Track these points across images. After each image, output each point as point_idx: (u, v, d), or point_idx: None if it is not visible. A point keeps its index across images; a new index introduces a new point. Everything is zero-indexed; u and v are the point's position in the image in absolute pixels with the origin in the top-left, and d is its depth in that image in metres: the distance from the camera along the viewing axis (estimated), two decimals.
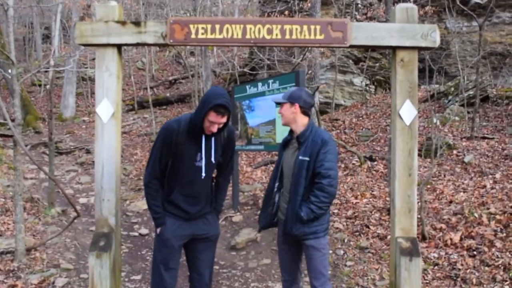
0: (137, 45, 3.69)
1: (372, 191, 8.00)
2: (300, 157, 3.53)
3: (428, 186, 7.66)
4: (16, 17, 24.37)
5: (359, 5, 15.90)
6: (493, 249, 5.33)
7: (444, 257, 5.43)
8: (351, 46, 3.65)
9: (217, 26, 3.53)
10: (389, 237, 5.86)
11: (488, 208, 6.33)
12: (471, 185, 7.49)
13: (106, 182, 3.55)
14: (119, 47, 3.61)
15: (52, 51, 10.29)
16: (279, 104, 3.76)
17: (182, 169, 3.37)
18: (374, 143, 11.12)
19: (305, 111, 3.64)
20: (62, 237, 6.57)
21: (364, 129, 12.17)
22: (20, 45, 26.91)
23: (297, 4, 13.65)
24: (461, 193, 7.17)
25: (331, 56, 14.41)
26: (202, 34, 3.54)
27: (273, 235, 6.76)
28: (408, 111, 3.55)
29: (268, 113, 7.13)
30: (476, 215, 6.18)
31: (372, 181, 8.66)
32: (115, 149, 3.58)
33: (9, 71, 6.21)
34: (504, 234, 5.60)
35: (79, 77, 21.20)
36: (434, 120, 10.42)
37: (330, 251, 5.96)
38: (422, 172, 8.49)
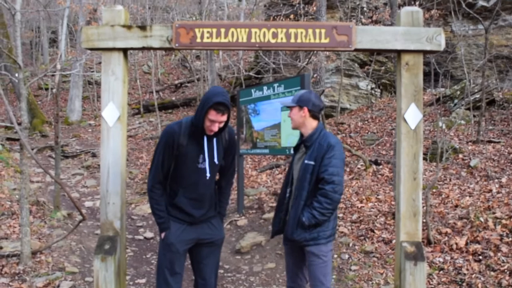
0: (142, 49, 3.71)
1: (378, 195, 7.98)
2: (306, 161, 3.49)
3: (434, 190, 7.63)
4: (23, 21, 24.55)
5: (365, 9, 15.88)
6: (499, 254, 5.30)
7: (450, 262, 5.40)
8: (356, 50, 3.66)
9: (223, 30, 3.55)
10: (394, 241, 5.84)
11: (494, 213, 6.30)
12: (477, 189, 7.45)
13: (111, 186, 3.56)
14: (125, 51, 3.63)
15: (59, 55, 10.36)
16: (288, 107, 3.73)
17: (185, 172, 3.37)
18: (379, 147, 11.09)
19: (314, 115, 3.59)
20: (68, 240, 6.59)
21: (369, 132, 12.14)
22: (27, 49, 27.09)
23: (302, 7, 13.65)
24: (467, 197, 7.14)
25: (337, 60, 14.40)
26: (208, 38, 3.56)
27: (278, 239, 6.75)
28: (413, 115, 3.54)
29: (273, 117, 7.14)
30: (481, 219, 6.15)
31: (377, 185, 8.64)
32: (121, 152, 3.59)
33: (16, 75, 6.25)
34: (510, 239, 5.56)
35: (85, 81, 21.29)
36: (440, 124, 10.38)
37: (335, 255, 5.94)
38: (427, 176, 8.46)
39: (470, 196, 7.20)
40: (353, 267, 5.67)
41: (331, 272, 3.63)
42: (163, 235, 3.42)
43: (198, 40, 3.56)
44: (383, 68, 15.81)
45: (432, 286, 4.97)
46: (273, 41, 3.57)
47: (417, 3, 13.01)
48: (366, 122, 13.19)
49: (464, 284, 4.91)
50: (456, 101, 12.48)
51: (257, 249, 6.64)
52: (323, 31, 3.56)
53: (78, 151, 14.11)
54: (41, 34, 27.28)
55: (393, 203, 7.31)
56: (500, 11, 12.66)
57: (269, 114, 7.26)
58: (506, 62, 14.17)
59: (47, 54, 26.31)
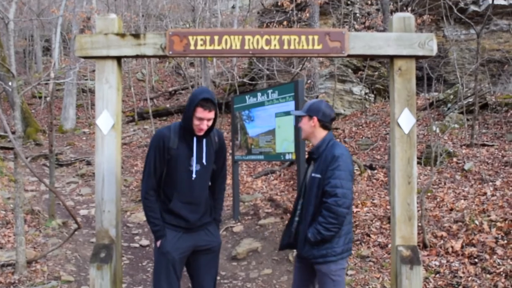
0: (136, 57, 3.72)
1: (373, 199, 8.00)
2: (313, 174, 3.39)
3: (429, 194, 7.66)
4: (16, 30, 24.51)
5: (357, 15, 15.98)
6: (495, 257, 5.33)
7: (446, 265, 5.42)
8: (349, 56, 3.68)
9: (216, 37, 3.56)
10: (390, 245, 5.85)
11: (489, 216, 6.33)
12: (472, 193, 7.48)
13: (106, 193, 3.56)
14: (118, 59, 3.64)
15: (53, 64, 10.34)
16: (299, 117, 3.65)
17: (177, 176, 3.36)
18: (374, 151, 11.12)
19: (324, 125, 3.47)
20: (63, 249, 6.56)
21: (364, 137, 12.18)
22: (21, 58, 27.03)
23: (295, 14, 13.72)
24: (462, 201, 7.17)
25: (330, 66, 14.47)
26: (201, 45, 3.57)
27: (274, 245, 6.75)
28: (406, 120, 3.57)
29: (268, 123, 7.16)
30: (477, 222, 6.18)
31: (372, 189, 8.66)
32: (116, 160, 3.59)
33: (10, 83, 6.24)
34: (505, 241, 5.59)
35: (79, 89, 21.26)
36: (434, 128, 10.44)
37: None
38: (422, 180, 8.49)
39: (465, 200, 7.23)
40: (350, 272, 5.67)
41: None
42: (158, 243, 3.38)
43: (192, 47, 3.57)
44: (376, 73, 15.89)
45: None
46: (266, 48, 3.59)
47: (409, 9, 13.12)
48: (360, 127, 13.23)
49: (461, 287, 4.93)
50: (449, 105, 12.55)
51: (253, 255, 6.63)
52: (316, 37, 3.58)
53: (72, 159, 14.06)
54: (35, 42, 27.24)
55: (388, 207, 7.33)
56: (492, 15, 12.75)
57: (264, 120, 7.28)
58: (498, 66, 14.28)
59: (40, 63, 26.25)
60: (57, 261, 6.19)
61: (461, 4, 14.48)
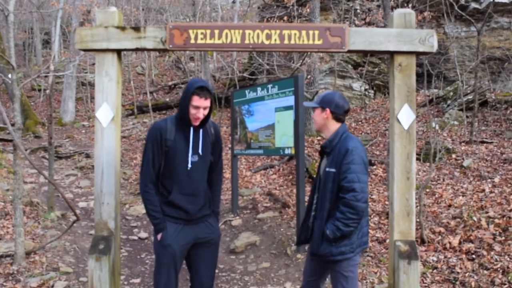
0: (136, 50, 3.72)
1: (371, 195, 8.02)
2: (327, 169, 3.28)
3: (427, 190, 7.68)
4: (16, 23, 24.44)
5: (358, 11, 15.95)
6: (492, 253, 5.35)
7: (443, 261, 5.44)
8: (349, 51, 3.68)
9: (216, 31, 3.56)
10: (388, 240, 5.87)
11: (487, 212, 6.35)
12: (470, 189, 7.51)
13: (105, 186, 3.57)
14: (118, 52, 3.64)
15: (52, 56, 10.34)
16: (312, 108, 3.57)
17: (176, 167, 3.37)
18: (373, 147, 11.13)
19: (337, 117, 3.38)
20: (62, 240, 6.58)
21: (363, 133, 12.19)
22: (20, 50, 26.96)
23: (296, 9, 13.69)
24: (460, 197, 7.19)
25: (330, 61, 14.45)
26: (201, 39, 3.58)
27: (273, 239, 6.78)
28: (406, 115, 3.58)
29: (267, 118, 7.16)
30: (475, 218, 6.20)
31: (371, 185, 8.68)
32: (115, 153, 3.60)
33: (9, 76, 6.23)
34: (503, 238, 5.61)
35: (79, 82, 21.22)
36: (433, 125, 10.46)
37: None
38: (421, 176, 8.51)
39: (463, 196, 7.25)
40: None
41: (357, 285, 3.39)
42: (159, 236, 3.37)
43: (192, 41, 3.57)
44: (376, 69, 15.89)
45: (426, 285, 5.01)
46: (266, 42, 3.59)
47: (410, 5, 13.08)
48: (360, 123, 13.24)
49: (458, 282, 4.95)
50: (449, 102, 12.56)
51: (251, 248, 6.66)
52: (316, 32, 3.59)
53: (71, 152, 14.06)
54: (34, 35, 27.17)
55: (386, 203, 7.35)
56: (492, 13, 12.76)
57: (263, 115, 7.29)
58: (498, 63, 14.29)
59: (40, 55, 26.19)
60: (55, 252, 6.20)
61: (462, 1, 14.45)
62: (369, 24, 14.08)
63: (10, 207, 7.37)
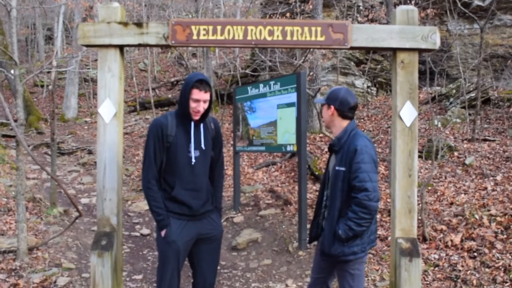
0: (139, 46, 3.71)
1: None
2: (337, 168, 3.22)
3: (429, 188, 7.67)
4: (18, 18, 24.43)
5: (361, 7, 15.92)
6: (494, 251, 5.34)
7: (445, 259, 5.44)
8: (352, 48, 3.67)
9: (219, 27, 3.56)
10: (389, 238, 5.87)
11: (489, 210, 6.34)
12: (472, 187, 7.49)
13: (108, 182, 3.57)
14: (121, 48, 3.64)
15: (55, 52, 10.34)
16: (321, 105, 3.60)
17: (178, 162, 3.37)
18: (375, 144, 11.12)
19: (343, 114, 3.29)
20: (64, 236, 6.59)
21: (365, 131, 12.17)
22: (23, 46, 26.98)
23: (298, 6, 13.67)
24: (462, 195, 7.18)
25: (333, 58, 14.43)
26: (204, 35, 3.57)
27: (274, 236, 6.78)
28: (408, 113, 3.57)
29: (270, 115, 7.16)
30: (476, 216, 6.19)
31: None
32: (117, 148, 3.60)
33: (12, 71, 6.23)
34: (505, 236, 5.61)
35: (81, 78, 21.25)
36: (435, 122, 10.43)
37: None
38: (423, 173, 8.50)
39: (465, 194, 7.24)
40: None
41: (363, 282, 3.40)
42: (163, 232, 3.36)
43: (195, 37, 3.57)
44: (379, 66, 15.86)
45: (427, 282, 5.01)
46: (269, 38, 3.58)
47: (412, 2, 13.03)
48: (362, 120, 13.23)
49: (459, 280, 4.95)
50: (451, 99, 12.53)
51: (253, 245, 6.67)
52: (319, 29, 3.57)
53: (74, 148, 14.09)
54: (37, 31, 27.19)
55: (388, 200, 7.35)
56: (496, 10, 12.72)
57: (265, 112, 7.28)
58: (501, 61, 14.24)
59: (42, 51, 26.23)
60: (58, 248, 6.22)
61: None
62: (371, 21, 14.06)
63: (12, 203, 7.40)
